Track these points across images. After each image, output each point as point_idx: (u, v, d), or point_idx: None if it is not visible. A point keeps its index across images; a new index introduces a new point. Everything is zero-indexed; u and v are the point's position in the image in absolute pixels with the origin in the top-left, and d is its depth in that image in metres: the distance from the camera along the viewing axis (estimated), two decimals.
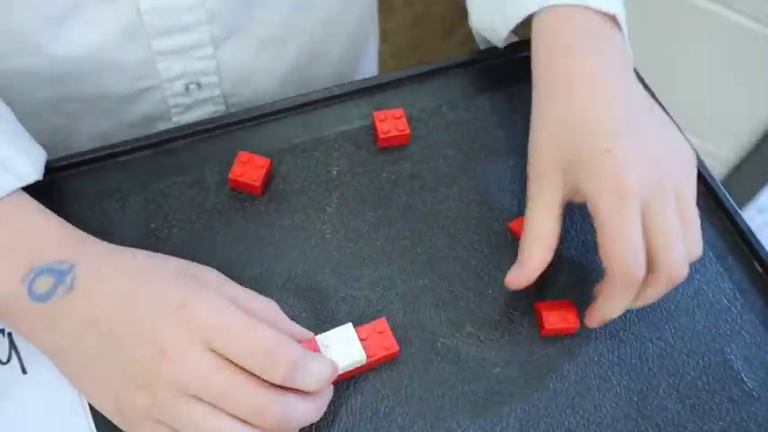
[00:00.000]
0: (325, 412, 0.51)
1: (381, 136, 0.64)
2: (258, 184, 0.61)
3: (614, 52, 0.59)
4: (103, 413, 0.50)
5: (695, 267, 0.61)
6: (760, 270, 0.61)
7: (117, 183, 0.61)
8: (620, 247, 0.51)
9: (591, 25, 0.59)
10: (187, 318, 0.47)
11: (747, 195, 1.66)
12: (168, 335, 0.46)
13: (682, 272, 0.52)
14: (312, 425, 0.52)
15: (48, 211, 0.53)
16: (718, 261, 0.62)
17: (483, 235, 0.62)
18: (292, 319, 0.55)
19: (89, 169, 0.62)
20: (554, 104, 0.58)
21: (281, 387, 0.47)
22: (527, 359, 0.56)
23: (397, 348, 0.54)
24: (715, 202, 0.65)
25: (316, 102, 0.68)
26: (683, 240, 0.52)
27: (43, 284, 0.49)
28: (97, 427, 0.51)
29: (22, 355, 0.53)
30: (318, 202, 0.62)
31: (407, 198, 0.63)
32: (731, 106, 1.55)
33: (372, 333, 0.54)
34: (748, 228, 0.62)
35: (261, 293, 0.55)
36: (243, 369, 0.46)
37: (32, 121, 0.59)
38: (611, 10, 0.59)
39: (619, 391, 0.55)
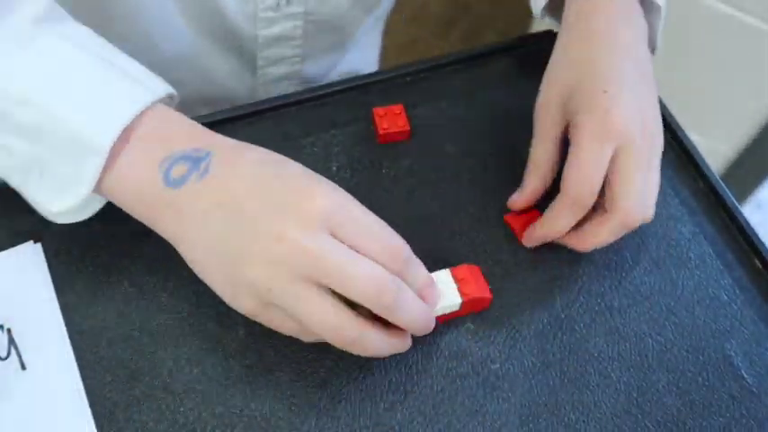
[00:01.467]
0: (323, 407, 0.51)
1: (381, 132, 0.64)
2: None
3: (637, 19, 0.63)
4: (224, 298, 0.50)
5: (695, 263, 0.61)
6: (759, 266, 0.61)
7: None
8: (583, 175, 0.55)
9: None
10: (314, 198, 0.48)
11: (746, 191, 1.66)
12: (292, 217, 0.47)
13: (635, 218, 0.56)
14: (312, 419, 0.52)
15: (179, 113, 0.54)
16: (718, 257, 0.62)
17: (482, 230, 0.62)
18: None
19: None
20: (572, 49, 0.62)
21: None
22: (526, 355, 0.56)
23: (491, 295, 0.56)
24: (714, 198, 0.65)
25: (315, 97, 0.68)
26: (645, 190, 0.57)
27: (179, 170, 0.50)
28: (96, 422, 0.51)
29: (21, 350, 0.53)
30: None
31: (407, 194, 0.63)
32: (730, 102, 1.55)
33: (468, 275, 0.56)
34: (748, 224, 0.62)
35: None
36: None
37: None
38: None
39: (618, 387, 0.55)
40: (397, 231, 0.59)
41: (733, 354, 0.57)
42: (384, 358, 0.55)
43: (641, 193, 0.56)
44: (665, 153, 0.60)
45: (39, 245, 0.58)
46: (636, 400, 0.55)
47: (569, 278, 0.60)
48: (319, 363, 0.54)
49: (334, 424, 0.52)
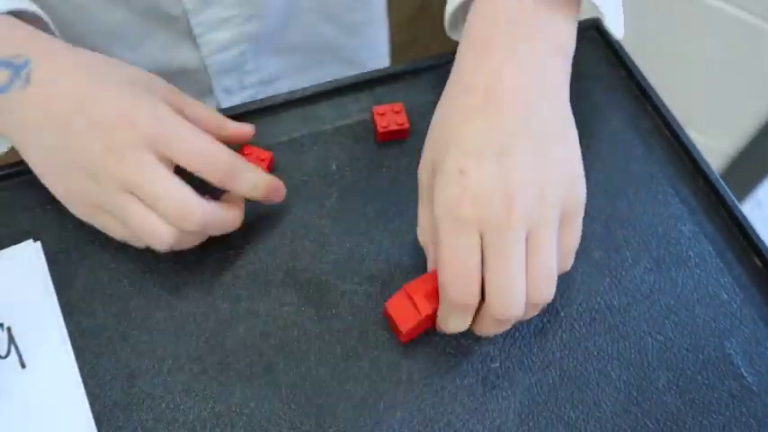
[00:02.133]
0: (324, 406, 0.51)
1: (381, 130, 0.64)
2: None
3: (538, 51, 0.53)
4: (59, 199, 0.55)
5: (695, 262, 0.61)
6: (760, 265, 0.61)
7: None
8: (450, 276, 0.48)
9: (520, 14, 0.53)
10: (135, 123, 0.51)
11: (746, 189, 1.66)
12: (117, 135, 0.51)
13: (507, 310, 0.48)
14: (312, 419, 0.52)
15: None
16: (718, 256, 0.62)
17: None
18: (292, 313, 0.56)
19: None
20: (445, 105, 0.54)
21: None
22: (526, 354, 0.56)
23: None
24: (715, 197, 0.65)
25: (315, 96, 0.67)
26: (522, 283, 0.48)
27: (2, 76, 0.52)
28: (96, 420, 0.51)
29: (21, 349, 0.53)
30: (318, 197, 0.62)
31: (407, 192, 0.63)
32: (729, 100, 1.55)
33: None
34: (748, 222, 0.62)
35: (260, 288, 0.56)
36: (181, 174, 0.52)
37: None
38: None
39: (618, 386, 0.55)
40: (398, 230, 0.59)
41: (733, 352, 0.57)
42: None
43: (503, 288, 0.48)
44: (666, 152, 0.60)
45: (38, 243, 0.58)
46: (635, 399, 0.55)
47: (569, 277, 0.59)
48: (320, 361, 0.54)
49: (334, 423, 0.52)
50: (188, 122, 0.54)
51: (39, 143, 0.53)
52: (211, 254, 0.58)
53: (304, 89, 0.67)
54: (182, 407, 0.52)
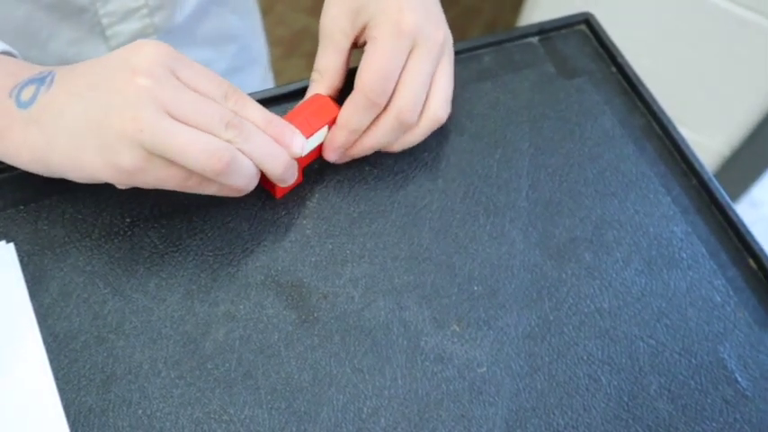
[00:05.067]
0: (305, 412, 0.51)
1: None
2: None
3: None
4: (102, 175, 0.52)
5: (687, 264, 0.60)
6: (754, 266, 0.61)
7: None
8: (380, 68, 0.57)
9: None
10: (154, 50, 0.51)
11: (740, 189, 1.66)
12: (139, 60, 0.51)
13: (410, 113, 0.58)
14: (293, 425, 0.51)
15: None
16: (711, 257, 0.61)
17: (468, 230, 0.61)
18: (272, 316, 0.55)
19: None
20: None
21: None
22: (513, 358, 0.55)
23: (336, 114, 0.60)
24: (708, 197, 0.64)
25: (297, 93, 0.66)
26: (422, 94, 0.59)
27: (28, 93, 0.53)
28: (71, 426, 0.50)
29: None
30: (300, 197, 0.61)
31: (391, 192, 0.62)
32: (723, 96, 1.55)
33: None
34: (742, 223, 0.62)
35: (238, 291, 0.55)
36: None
37: None
38: None
39: (608, 392, 0.54)
40: (381, 231, 0.59)
41: (726, 357, 0.56)
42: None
43: (417, 94, 0.58)
44: (657, 150, 0.60)
45: (11, 245, 0.57)
46: (627, 405, 0.54)
47: (558, 279, 0.59)
48: (301, 366, 0.54)
49: (315, 430, 0.51)
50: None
51: (67, 122, 0.51)
52: (189, 256, 0.57)
53: (284, 86, 0.66)
54: (158, 413, 0.51)
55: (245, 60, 0.94)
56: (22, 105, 0.52)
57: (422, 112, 0.60)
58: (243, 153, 0.52)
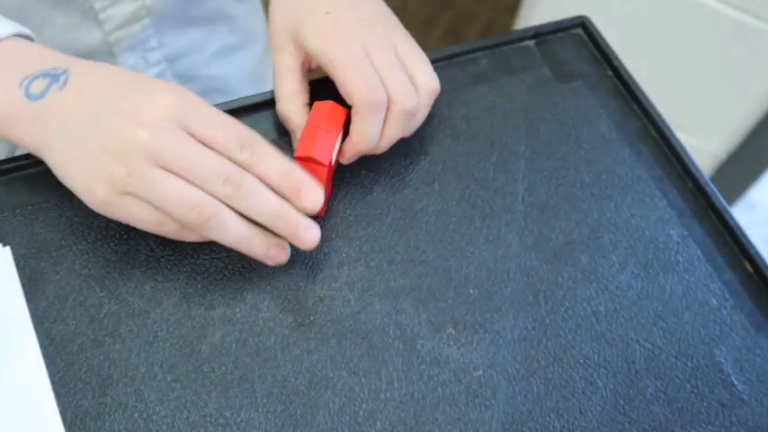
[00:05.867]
0: (301, 415, 0.50)
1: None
2: None
3: None
4: (81, 194, 0.53)
5: (683, 267, 0.60)
6: (750, 270, 0.61)
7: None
8: (359, 77, 0.57)
9: None
10: (167, 101, 0.51)
11: (737, 192, 1.66)
12: (147, 109, 0.51)
13: (411, 100, 0.59)
14: (289, 428, 0.51)
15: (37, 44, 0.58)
16: (708, 260, 0.61)
17: (464, 233, 0.60)
18: (268, 320, 0.55)
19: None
20: None
21: None
22: (510, 362, 0.55)
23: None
24: (704, 200, 0.64)
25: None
26: (405, 75, 0.60)
27: (38, 86, 0.53)
28: (67, 430, 0.50)
29: None
30: None
31: (387, 196, 0.62)
32: (719, 99, 1.55)
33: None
34: (738, 226, 0.62)
35: (235, 294, 0.55)
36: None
37: None
38: None
39: (605, 395, 0.54)
40: (377, 234, 0.59)
41: (723, 360, 0.56)
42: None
43: (402, 79, 0.59)
44: (653, 154, 0.60)
45: (8, 248, 0.57)
46: (623, 408, 0.54)
47: (554, 282, 0.59)
48: (297, 369, 0.53)
49: None
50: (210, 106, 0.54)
51: (66, 136, 0.52)
52: (185, 260, 0.57)
53: (272, 91, 0.66)
54: (154, 416, 0.51)
55: (240, 39, 0.94)
56: (31, 97, 0.53)
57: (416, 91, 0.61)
58: (239, 210, 0.52)
